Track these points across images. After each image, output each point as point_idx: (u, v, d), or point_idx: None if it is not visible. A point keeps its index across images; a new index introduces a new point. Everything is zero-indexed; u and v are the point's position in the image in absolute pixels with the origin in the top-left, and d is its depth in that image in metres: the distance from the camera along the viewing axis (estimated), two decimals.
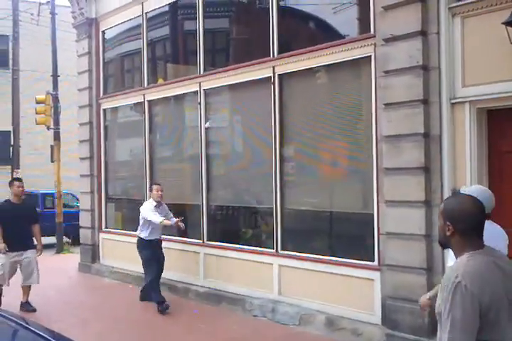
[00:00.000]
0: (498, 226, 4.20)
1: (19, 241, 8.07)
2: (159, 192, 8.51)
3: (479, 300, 2.40)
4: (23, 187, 8.43)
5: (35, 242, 8.50)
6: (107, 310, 8.31)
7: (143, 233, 8.49)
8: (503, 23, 5.19)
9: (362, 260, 6.72)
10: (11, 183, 8.46)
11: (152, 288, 8.33)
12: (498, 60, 5.47)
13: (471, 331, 2.40)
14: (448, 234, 2.62)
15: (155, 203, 8.45)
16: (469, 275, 2.44)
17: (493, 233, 3.71)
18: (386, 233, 6.33)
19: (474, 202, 2.63)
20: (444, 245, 2.74)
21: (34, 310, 8.12)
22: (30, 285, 8.26)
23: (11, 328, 3.66)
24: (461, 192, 3.82)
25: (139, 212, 8.56)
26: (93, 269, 11.25)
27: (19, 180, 8.74)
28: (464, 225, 2.57)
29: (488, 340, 2.45)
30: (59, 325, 7.54)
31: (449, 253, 3.92)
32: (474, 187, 4.30)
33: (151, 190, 8.67)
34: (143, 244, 8.48)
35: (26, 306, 8.16)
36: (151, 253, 8.41)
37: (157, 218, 8.23)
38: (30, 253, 8.24)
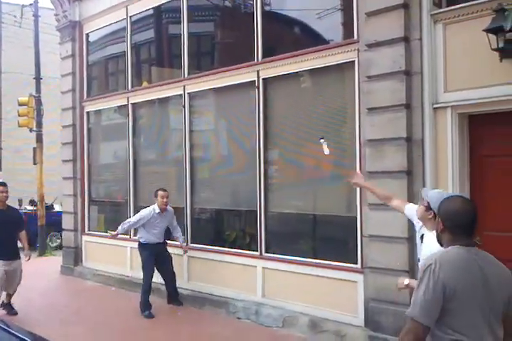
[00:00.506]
0: None
1: (8, 249, 7.87)
2: (164, 200, 8.29)
3: (444, 283, 2.58)
4: (7, 192, 8.09)
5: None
6: (90, 313, 8.28)
7: (138, 236, 8.52)
8: (484, 30, 5.29)
9: (345, 262, 6.79)
10: None
11: (142, 291, 8.28)
12: (479, 66, 5.58)
13: (428, 309, 2.58)
14: (439, 230, 2.88)
15: (158, 210, 8.31)
16: (442, 261, 2.65)
17: None
18: (369, 236, 6.41)
19: (463, 203, 2.87)
20: (439, 242, 2.95)
21: (15, 313, 8.02)
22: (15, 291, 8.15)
23: None
24: (424, 193, 3.92)
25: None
26: (76, 272, 11.20)
27: (3, 184, 8.24)
28: (451, 223, 2.81)
29: (448, 327, 2.62)
30: (40, 328, 7.50)
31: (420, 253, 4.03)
32: (437, 192, 4.35)
33: (155, 196, 8.37)
34: (141, 247, 8.48)
35: (8, 308, 8.07)
36: (147, 256, 8.34)
37: (121, 226, 8.44)
38: (18, 263, 8.06)
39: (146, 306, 8.12)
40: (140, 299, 8.22)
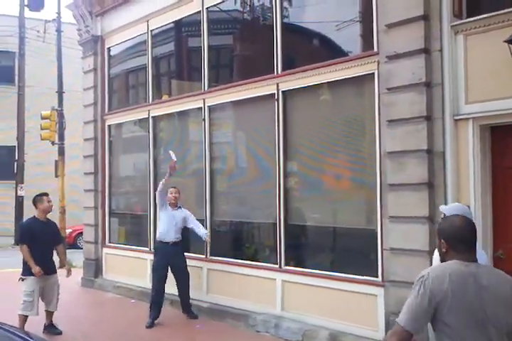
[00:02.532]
0: (480, 250, 4.21)
1: (46, 264, 7.42)
2: (173, 195, 8.55)
3: (431, 295, 2.66)
4: (51, 202, 7.79)
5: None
6: (110, 325, 8.28)
7: (157, 232, 8.59)
8: (505, 41, 5.26)
9: (365, 276, 6.72)
10: (38, 198, 7.68)
11: (151, 298, 8.32)
12: (501, 77, 5.53)
13: (413, 317, 2.69)
14: (444, 250, 2.90)
15: (169, 207, 8.54)
16: (434, 273, 2.73)
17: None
18: (390, 249, 6.34)
19: (461, 220, 2.91)
20: (444, 262, 2.93)
21: (60, 333, 7.64)
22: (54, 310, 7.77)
23: None
24: (441, 209, 4.01)
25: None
26: (96, 284, 11.23)
27: (47, 194, 7.83)
28: (453, 241, 2.84)
29: (448, 339, 2.70)
30: (61, 340, 7.60)
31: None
32: (454, 204, 4.41)
33: (166, 194, 8.64)
34: (155, 248, 8.52)
35: (51, 329, 7.67)
36: (158, 259, 8.40)
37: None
38: (55, 277, 7.69)
39: (150, 314, 8.16)
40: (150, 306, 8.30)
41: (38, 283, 7.41)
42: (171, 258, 8.36)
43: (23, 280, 7.44)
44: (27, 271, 7.38)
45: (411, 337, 2.72)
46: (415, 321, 2.69)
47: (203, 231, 8.46)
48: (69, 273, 7.93)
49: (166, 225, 8.44)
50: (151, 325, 8.05)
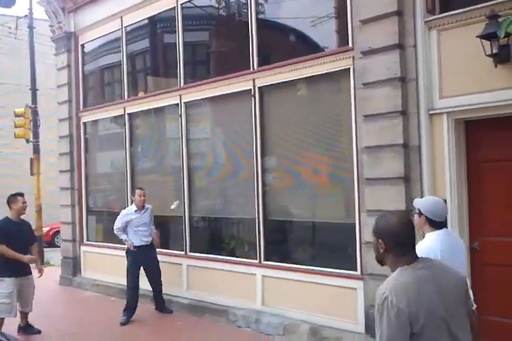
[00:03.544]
0: (457, 237, 4.26)
1: (21, 265, 7.27)
2: (141, 198, 8.53)
3: (408, 314, 2.46)
4: (26, 202, 7.57)
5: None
6: (89, 323, 8.24)
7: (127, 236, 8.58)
8: (478, 37, 5.33)
9: (344, 269, 6.79)
10: (13, 198, 7.45)
11: (127, 296, 8.40)
12: (474, 72, 5.61)
13: None
14: (381, 251, 2.74)
15: (135, 208, 8.56)
16: (396, 289, 2.52)
17: (452, 245, 3.78)
18: (368, 242, 6.40)
19: (400, 219, 2.75)
20: (380, 262, 2.83)
21: (39, 332, 7.64)
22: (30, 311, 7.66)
23: None
24: (414, 203, 4.00)
25: None
26: (74, 282, 11.17)
27: (22, 195, 7.61)
28: (392, 241, 2.68)
29: None
30: (40, 339, 7.55)
31: None
32: (427, 197, 4.46)
33: (133, 195, 8.71)
34: (126, 251, 8.55)
35: (27, 330, 7.64)
36: (132, 260, 8.46)
37: (117, 233, 8.55)
38: (31, 278, 7.55)
39: (124, 312, 8.26)
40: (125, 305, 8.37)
41: (15, 284, 7.22)
42: (143, 259, 8.48)
43: None
44: (4, 273, 7.16)
45: None
46: None
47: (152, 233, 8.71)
48: (40, 272, 7.77)
49: (134, 230, 8.48)
50: (126, 322, 8.14)
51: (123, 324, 8.10)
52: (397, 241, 2.68)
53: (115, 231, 8.62)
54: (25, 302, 7.55)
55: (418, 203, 3.97)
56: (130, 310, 8.31)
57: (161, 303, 8.67)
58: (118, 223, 8.59)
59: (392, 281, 2.59)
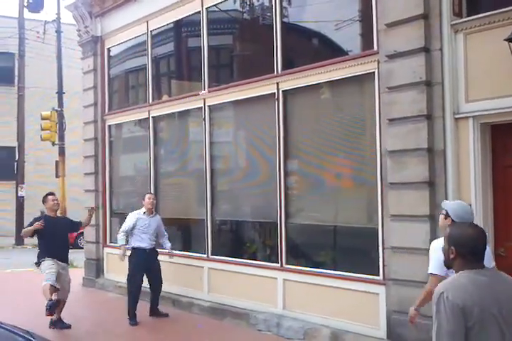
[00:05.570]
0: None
1: (60, 253, 8.07)
2: (150, 200, 8.63)
3: (462, 310, 2.61)
4: (57, 200, 8.51)
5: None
6: (111, 325, 8.31)
7: (131, 243, 8.61)
8: (505, 40, 5.27)
9: (367, 274, 6.74)
10: (44, 198, 8.33)
11: (129, 300, 8.44)
12: (501, 76, 5.54)
13: (455, 339, 2.60)
14: (451, 257, 2.89)
15: (144, 210, 8.60)
16: (452, 287, 2.70)
17: None
18: (391, 247, 6.36)
19: (475, 230, 2.91)
20: (448, 267, 3.02)
21: (69, 327, 8.02)
22: (65, 301, 8.14)
23: None
24: (443, 204, 4.05)
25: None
26: (97, 284, 11.25)
27: (53, 194, 8.57)
28: (464, 250, 2.83)
29: None
30: (62, 339, 7.62)
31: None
32: (456, 201, 4.48)
33: (143, 199, 8.74)
34: (131, 253, 8.59)
35: (60, 324, 8.03)
36: (135, 263, 8.49)
37: (120, 236, 8.62)
38: (67, 268, 8.31)
39: (132, 316, 8.30)
40: (127, 307, 8.41)
41: (55, 264, 7.87)
42: (147, 263, 8.51)
43: (39, 264, 7.96)
44: (42, 256, 7.95)
45: None
46: None
47: (168, 245, 8.77)
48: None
49: (141, 232, 8.51)
50: (136, 323, 8.25)
51: (133, 324, 8.20)
52: (470, 251, 2.83)
53: (120, 234, 8.63)
54: (62, 288, 8.00)
55: (447, 205, 4.10)
56: (134, 312, 8.35)
57: (156, 307, 8.66)
58: (125, 226, 8.61)
59: (451, 281, 2.79)
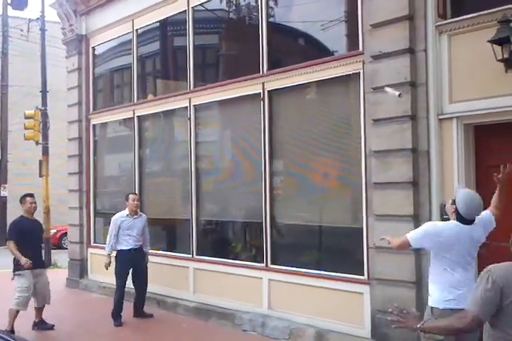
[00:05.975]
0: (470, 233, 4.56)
1: (36, 258, 7.76)
2: (135, 202, 8.55)
3: (501, 287, 2.97)
4: (35, 203, 8.09)
5: None
6: (94, 325, 8.26)
7: (116, 243, 8.58)
8: (488, 41, 5.32)
9: (351, 274, 6.76)
10: (22, 199, 8.04)
11: (115, 300, 8.41)
12: (485, 77, 5.60)
13: (486, 307, 2.98)
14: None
15: (127, 212, 8.54)
16: (497, 269, 3.07)
17: (460, 237, 4.46)
18: (375, 247, 6.38)
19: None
20: None
21: (52, 327, 7.95)
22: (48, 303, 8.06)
23: None
24: (456, 191, 4.61)
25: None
26: (81, 284, 11.18)
27: (31, 195, 8.15)
28: None
29: (506, 327, 3.00)
30: (45, 340, 7.57)
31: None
32: (468, 194, 4.58)
33: (127, 200, 8.61)
34: (117, 254, 8.55)
35: (42, 325, 7.97)
36: (120, 263, 8.48)
37: (107, 243, 8.62)
38: (45, 273, 8.07)
39: (116, 316, 8.28)
40: (113, 308, 8.38)
41: (32, 278, 7.65)
42: (132, 263, 8.49)
43: (16, 276, 7.66)
44: (19, 267, 7.58)
45: (482, 325, 3.06)
46: (488, 311, 2.98)
47: (146, 249, 8.74)
48: None
49: (125, 234, 8.47)
50: (120, 323, 8.23)
51: (118, 325, 8.17)
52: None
53: (108, 239, 8.60)
54: (43, 297, 7.92)
55: (458, 193, 4.50)
56: (118, 312, 8.34)
57: (140, 308, 8.63)
58: (110, 232, 8.56)
59: (499, 264, 3.13)
